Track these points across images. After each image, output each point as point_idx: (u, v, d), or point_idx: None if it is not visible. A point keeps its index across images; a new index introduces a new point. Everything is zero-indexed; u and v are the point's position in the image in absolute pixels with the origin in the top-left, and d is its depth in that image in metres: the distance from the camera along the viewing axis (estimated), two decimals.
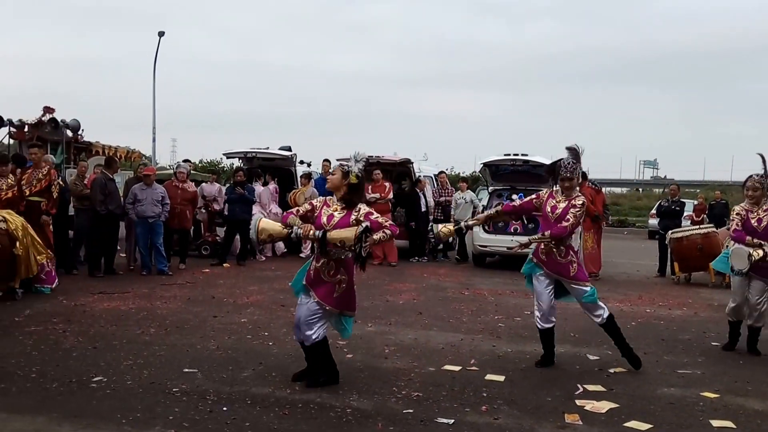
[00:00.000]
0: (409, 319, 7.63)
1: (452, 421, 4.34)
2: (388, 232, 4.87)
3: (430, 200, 14.37)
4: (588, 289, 5.71)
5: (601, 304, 5.77)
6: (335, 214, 4.91)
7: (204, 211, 13.35)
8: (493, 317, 7.92)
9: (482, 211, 13.31)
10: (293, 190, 13.72)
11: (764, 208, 6.31)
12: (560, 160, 5.75)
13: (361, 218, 4.80)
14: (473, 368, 5.62)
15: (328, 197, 5.11)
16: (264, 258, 13.10)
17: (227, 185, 14.00)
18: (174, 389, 4.85)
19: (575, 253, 5.84)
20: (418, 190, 13.92)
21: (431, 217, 14.35)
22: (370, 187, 13.01)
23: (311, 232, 4.78)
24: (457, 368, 5.60)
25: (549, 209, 5.73)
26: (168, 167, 18.16)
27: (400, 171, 14.82)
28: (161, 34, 27.32)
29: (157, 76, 27.30)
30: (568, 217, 5.59)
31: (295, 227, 4.83)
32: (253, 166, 14.49)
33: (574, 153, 5.74)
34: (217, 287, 9.53)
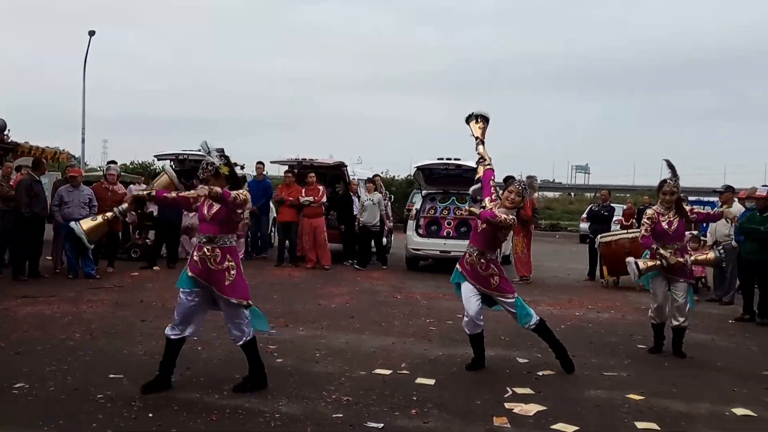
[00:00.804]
0: (341, 323, 7.56)
1: (382, 425, 4.30)
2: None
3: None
4: (512, 300, 5.76)
5: (530, 311, 5.83)
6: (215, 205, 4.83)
7: (133, 213, 12.96)
8: (425, 321, 7.93)
9: (412, 212, 13.40)
10: None
11: (674, 211, 6.49)
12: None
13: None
14: (404, 372, 5.60)
15: None
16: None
17: None
18: (99, 395, 4.69)
19: (498, 266, 5.80)
20: (351, 193, 13.87)
21: None
22: (303, 190, 12.92)
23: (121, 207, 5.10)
24: (387, 372, 5.56)
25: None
26: (98, 168, 17.55)
27: (334, 174, 14.74)
28: (92, 33, 26.49)
29: (88, 77, 26.51)
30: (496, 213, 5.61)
31: (117, 208, 5.13)
32: (186, 168, 14.15)
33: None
34: (146, 291, 9.24)
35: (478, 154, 6.15)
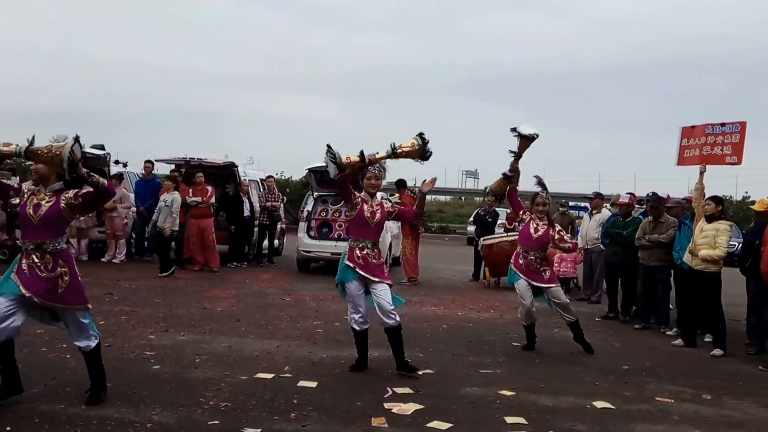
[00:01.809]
0: (226, 327, 7.46)
1: (259, 430, 4.28)
2: None
3: (256, 204, 14.19)
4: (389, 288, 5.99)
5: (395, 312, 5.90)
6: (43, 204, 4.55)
7: (1, 211, 12.24)
8: (312, 323, 7.96)
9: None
10: None
11: (544, 222, 6.98)
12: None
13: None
14: (287, 375, 5.59)
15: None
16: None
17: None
18: None
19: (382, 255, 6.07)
20: (242, 194, 13.69)
21: (257, 222, 14.20)
22: (191, 191, 12.63)
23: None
24: (270, 376, 5.54)
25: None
26: None
27: (224, 174, 14.49)
28: None
29: None
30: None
31: None
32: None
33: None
34: None
35: (512, 170, 6.96)
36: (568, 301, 7.18)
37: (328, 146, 5.84)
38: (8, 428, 4.10)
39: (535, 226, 6.95)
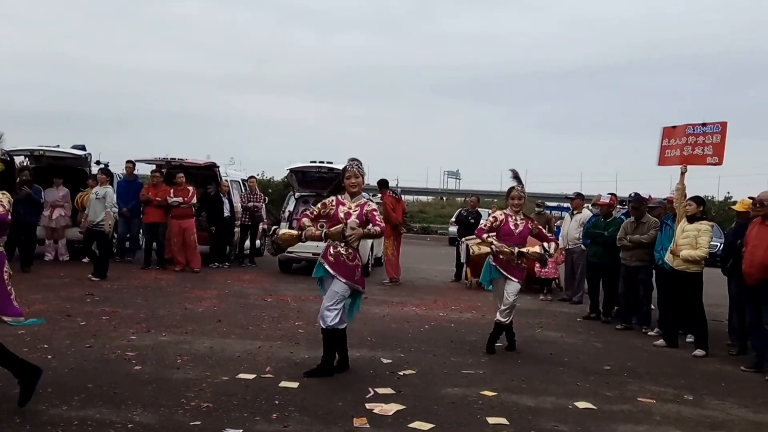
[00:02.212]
0: (207, 327, 7.41)
1: (241, 430, 4.26)
2: None
3: (237, 205, 14.13)
4: (360, 295, 6.08)
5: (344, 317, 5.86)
6: None
7: None
8: (294, 323, 7.93)
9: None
10: (80, 193, 12.97)
11: (521, 216, 7.03)
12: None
13: None
14: (268, 376, 5.57)
15: None
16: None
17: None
18: None
19: (360, 258, 5.91)
20: (222, 195, 13.63)
21: (238, 222, 14.14)
22: (172, 191, 12.56)
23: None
24: (251, 376, 5.51)
25: None
26: None
27: (205, 175, 14.42)
28: None
29: None
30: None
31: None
32: (42, 166, 13.36)
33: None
34: None
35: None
36: (516, 304, 7.08)
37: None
38: None
39: (514, 221, 6.97)
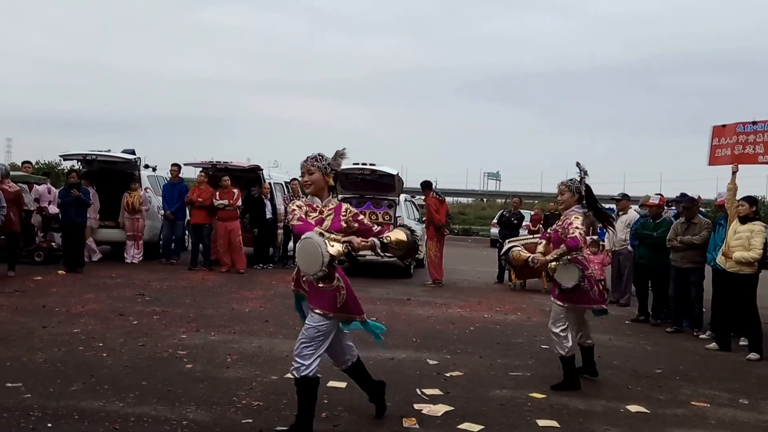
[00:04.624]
0: (255, 327, 7.51)
1: None
2: None
3: (280, 207, 14.28)
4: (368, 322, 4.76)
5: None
6: None
7: (39, 215, 12.53)
8: None
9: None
10: (126, 194, 13.31)
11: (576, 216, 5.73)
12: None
13: None
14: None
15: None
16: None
17: (62, 188, 13.14)
18: None
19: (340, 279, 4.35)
20: (264, 197, 13.80)
21: (280, 224, 14.29)
22: (218, 193, 12.76)
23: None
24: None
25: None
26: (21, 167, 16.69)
27: (249, 177, 14.62)
28: None
29: None
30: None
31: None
32: (94, 169, 13.76)
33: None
34: (48, 296, 8.88)
35: None
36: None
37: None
38: (49, 425, 4.17)
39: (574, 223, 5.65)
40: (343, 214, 4.37)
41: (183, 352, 6.14)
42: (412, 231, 4.60)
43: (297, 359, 4.23)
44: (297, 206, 4.38)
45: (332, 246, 4.09)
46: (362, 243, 4.26)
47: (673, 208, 10.46)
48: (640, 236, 9.42)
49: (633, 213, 10.92)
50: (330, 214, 4.36)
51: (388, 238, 4.39)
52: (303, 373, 4.23)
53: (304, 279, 4.28)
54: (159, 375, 5.34)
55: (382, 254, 4.59)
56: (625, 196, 11.45)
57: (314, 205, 4.39)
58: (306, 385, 4.26)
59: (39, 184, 13.04)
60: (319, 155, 4.36)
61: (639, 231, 9.51)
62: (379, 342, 4.94)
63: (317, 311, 4.22)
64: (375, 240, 4.32)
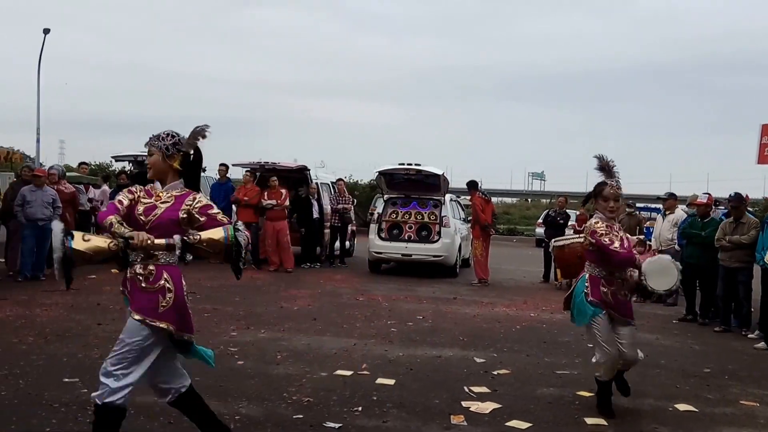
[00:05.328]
0: (303, 325, 7.66)
1: (340, 425, 4.40)
2: None
3: (327, 207, 14.46)
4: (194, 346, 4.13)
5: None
6: None
7: (93, 215, 12.96)
8: (386, 322, 8.07)
9: (378, 218, 13.58)
10: None
11: (619, 225, 5.04)
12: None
13: None
14: (364, 372, 5.71)
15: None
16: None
17: (113, 188, 13.57)
18: (52, 400, 4.66)
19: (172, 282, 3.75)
20: (311, 197, 13.99)
21: (327, 224, 14.47)
22: (266, 193, 12.99)
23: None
24: (348, 373, 5.67)
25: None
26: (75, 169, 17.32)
27: (296, 178, 14.82)
28: (47, 31, 26.06)
29: (41, 75, 26.03)
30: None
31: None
32: (144, 170, 14.09)
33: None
34: (102, 294, 9.18)
35: None
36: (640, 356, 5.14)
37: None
38: None
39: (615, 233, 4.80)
40: (188, 203, 3.61)
41: (234, 349, 6.31)
42: (239, 230, 3.61)
43: (102, 379, 3.44)
44: (123, 193, 3.68)
45: (87, 240, 3.42)
46: (148, 240, 3.40)
47: (721, 207, 10.28)
48: (688, 235, 9.29)
49: (680, 212, 10.76)
50: (167, 202, 3.63)
51: (196, 237, 3.58)
52: (107, 399, 3.42)
53: (128, 276, 3.60)
54: (211, 371, 5.43)
55: (185, 256, 3.89)
56: (671, 195, 11.28)
57: (151, 191, 3.71)
58: (107, 416, 3.46)
59: (95, 186, 13.45)
60: (164, 134, 3.69)
61: (687, 230, 9.38)
62: (212, 368, 4.24)
63: (135, 317, 3.48)
64: (176, 237, 3.54)
